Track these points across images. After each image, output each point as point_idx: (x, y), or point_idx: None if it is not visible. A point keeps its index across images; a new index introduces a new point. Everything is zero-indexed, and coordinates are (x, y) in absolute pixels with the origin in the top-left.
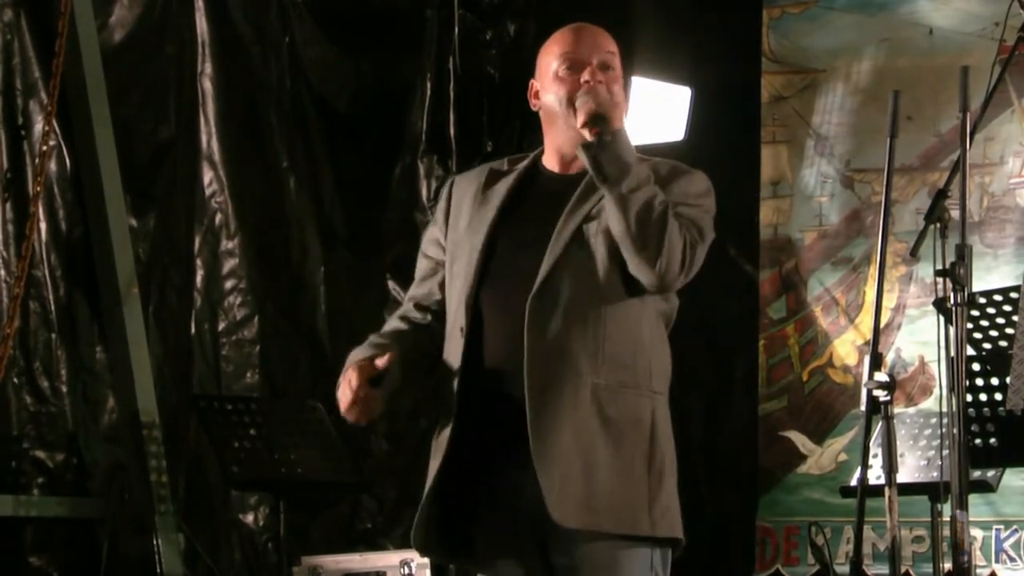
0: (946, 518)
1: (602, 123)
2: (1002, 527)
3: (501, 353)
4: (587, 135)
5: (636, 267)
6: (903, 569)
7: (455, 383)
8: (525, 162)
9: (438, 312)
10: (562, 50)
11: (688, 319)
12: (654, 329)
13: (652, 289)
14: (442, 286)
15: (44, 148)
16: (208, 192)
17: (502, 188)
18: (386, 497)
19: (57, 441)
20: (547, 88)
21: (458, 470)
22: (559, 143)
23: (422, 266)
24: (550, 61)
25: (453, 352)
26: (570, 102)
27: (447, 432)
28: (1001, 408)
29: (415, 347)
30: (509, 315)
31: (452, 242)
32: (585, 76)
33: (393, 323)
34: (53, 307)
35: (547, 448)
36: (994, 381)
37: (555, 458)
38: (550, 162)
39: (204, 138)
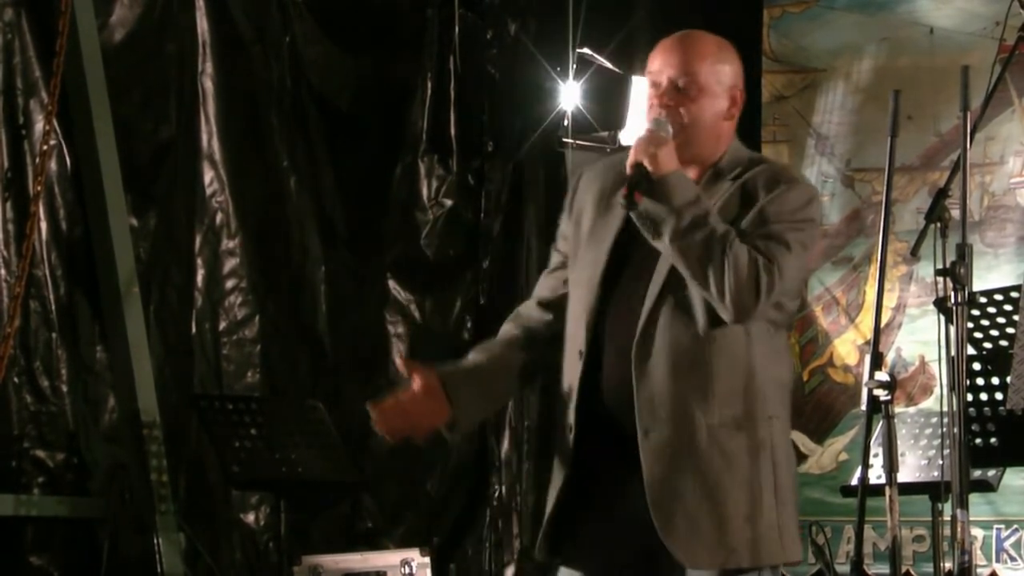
0: (947, 517)
1: (642, 174)
2: (1003, 526)
3: (617, 380)
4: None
5: (714, 305)
6: (903, 569)
7: (572, 406)
8: None
9: (562, 307)
10: (648, 67)
11: None
12: (765, 349)
13: (732, 323)
14: (566, 282)
15: (45, 147)
16: (209, 191)
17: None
18: (387, 497)
19: (58, 440)
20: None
21: (579, 490)
22: None
23: (552, 258)
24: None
25: (571, 373)
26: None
27: (568, 453)
28: (1002, 407)
29: (513, 361)
30: (625, 344)
31: (574, 243)
32: (652, 101)
33: (508, 327)
34: (54, 306)
35: (668, 496)
36: (995, 380)
37: (677, 505)
38: None
39: (205, 137)
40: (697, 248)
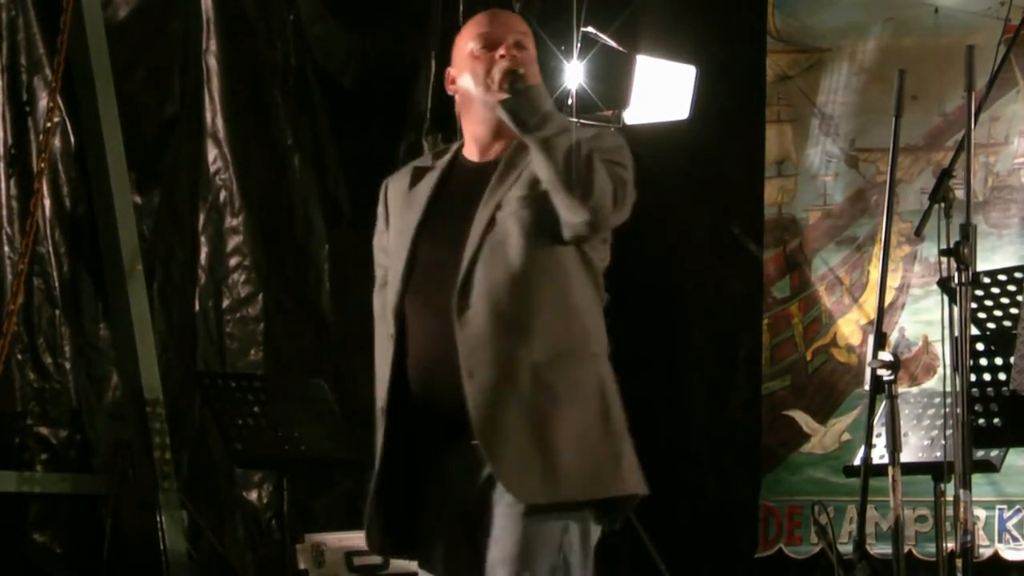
0: (949, 498)
1: (517, 78)
2: (1005, 507)
3: (431, 352)
4: (504, 95)
5: (568, 209)
6: (906, 549)
7: (387, 387)
8: (448, 155)
9: None
10: (477, 31)
11: (691, 298)
12: (584, 293)
13: (585, 230)
14: None
15: (48, 124)
16: (212, 169)
17: (425, 187)
18: None
19: (61, 418)
20: (462, 69)
21: (396, 471)
22: (475, 127)
23: (378, 274)
24: (465, 43)
25: (384, 358)
26: (487, 76)
27: (381, 435)
28: (1005, 388)
29: None
30: (435, 315)
31: (391, 249)
32: (500, 52)
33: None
34: (57, 284)
35: (496, 433)
36: (998, 361)
37: (506, 441)
38: (469, 151)
39: (209, 115)
40: (564, 149)
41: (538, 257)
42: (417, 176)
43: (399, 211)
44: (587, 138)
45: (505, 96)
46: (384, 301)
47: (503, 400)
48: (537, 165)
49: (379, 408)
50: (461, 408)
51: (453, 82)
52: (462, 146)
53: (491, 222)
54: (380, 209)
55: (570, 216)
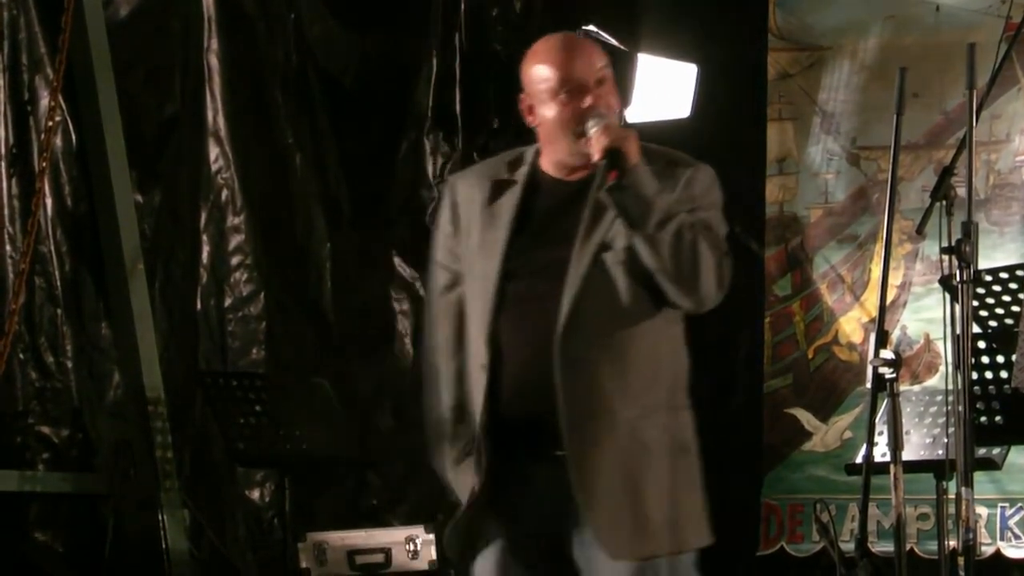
0: (951, 496)
1: (619, 161)
2: (1007, 505)
3: (526, 384)
4: (607, 177)
5: (675, 298)
6: (908, 547)
7: (480, 418)
8: (525, 167)
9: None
10: (558, 74)
11: None
12: (672, 339)
13: (691, 312)
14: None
15: (50, 123)
16: (214, 168)
17: (508, 203)
18: (391, 474)
19: (62, 417)
20: (543, 104)
21: (492, 497)
22: (562, 157)
23: (441, 277)
24: (542, 76)
25: (476, 386)
26: (576, 128)
27: (482, 463)
28: (1006, 386)
29: None
30: (531, 347)
31: (465, 257)
32: (588, 101)
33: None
34: (59, 283)
35: (591, 494)
36: (1000, 359)
37: (599, 499)
38: (551, 167)
39: (210, 114)
40: (669, 244)
41: (642, 304)
42: (496, 189)
43: (478, 225)
44: (688, 220)
45: (610, 184)
46: (448, 303)
47: (600, 459)
48: (642, 253)
49: (475, 424)
50: (554, 429)
51: (532, 113)
52: (538, 154)
53: (595, 263)
54: (446, 212)
55: (676, 300)
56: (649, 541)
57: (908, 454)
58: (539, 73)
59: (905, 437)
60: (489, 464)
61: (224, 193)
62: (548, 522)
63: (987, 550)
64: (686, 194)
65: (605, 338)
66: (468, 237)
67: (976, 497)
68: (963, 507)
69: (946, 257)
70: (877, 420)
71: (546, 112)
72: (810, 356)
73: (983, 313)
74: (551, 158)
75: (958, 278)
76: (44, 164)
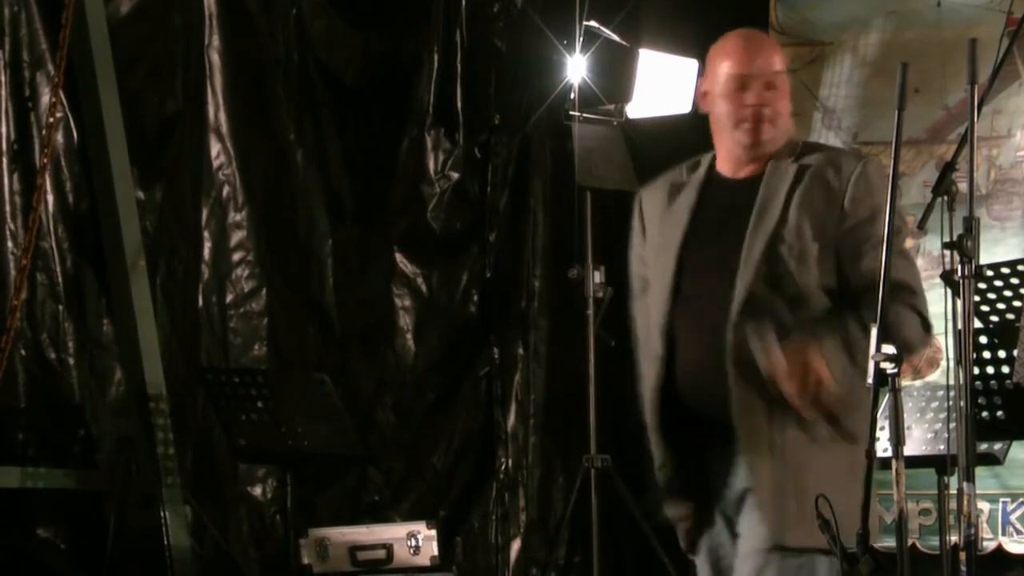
0: (953, 491)
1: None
2: (1009, 500)
3: (698, 374)
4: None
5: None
6: (909, 542)
7: (657, 405)
8: (701, 169)
9: None
10: (734, 70)
11: None
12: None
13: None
14: None
15: (51, 120)
16: (216, 164)
17: (684, 202)
18: (393, 470)
19: (64, 413)
20: (716, 92)
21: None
22: (730, 146)
23: (636, 284)
24: (722, 67)
25: (649, 375)
26: (739, 117)
27: (663, 448)
28: (1008, 381)
29: None
30: (704, 338)
31: (649, 259)
32: (749, 99)
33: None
34: (60, 279)
35: (760, 487)
36: (1001, 354)
37: (766, 487)
38: (723, 166)
39: (211, 110)
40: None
41: (813, 301)
42: (674, 191)
43: (657, 225)
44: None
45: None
46: (644, 306)
47: (769, 455)
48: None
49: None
50: (728, 420)
51: (705, 97)
52: (715, 158)
53: (767, 252)
54: (635, 222)
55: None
56: (809, 533)
57: (910, 449)
58: (717, 58)
59: (907, 432)
60: (664, 448)
61: (226, 189)
62: (721, 503)
63: (989, 545)
64: (903, 290)
65: (776, 327)
66: (651, 240)
67: (978, 492)
68: (965, 502)
69: (947, 252)
70: (879, 415)
71: (717, 102)
72: None
73: (984, 308)
74: (721, 153)
75: (959, 273)
76: (45, 160)
